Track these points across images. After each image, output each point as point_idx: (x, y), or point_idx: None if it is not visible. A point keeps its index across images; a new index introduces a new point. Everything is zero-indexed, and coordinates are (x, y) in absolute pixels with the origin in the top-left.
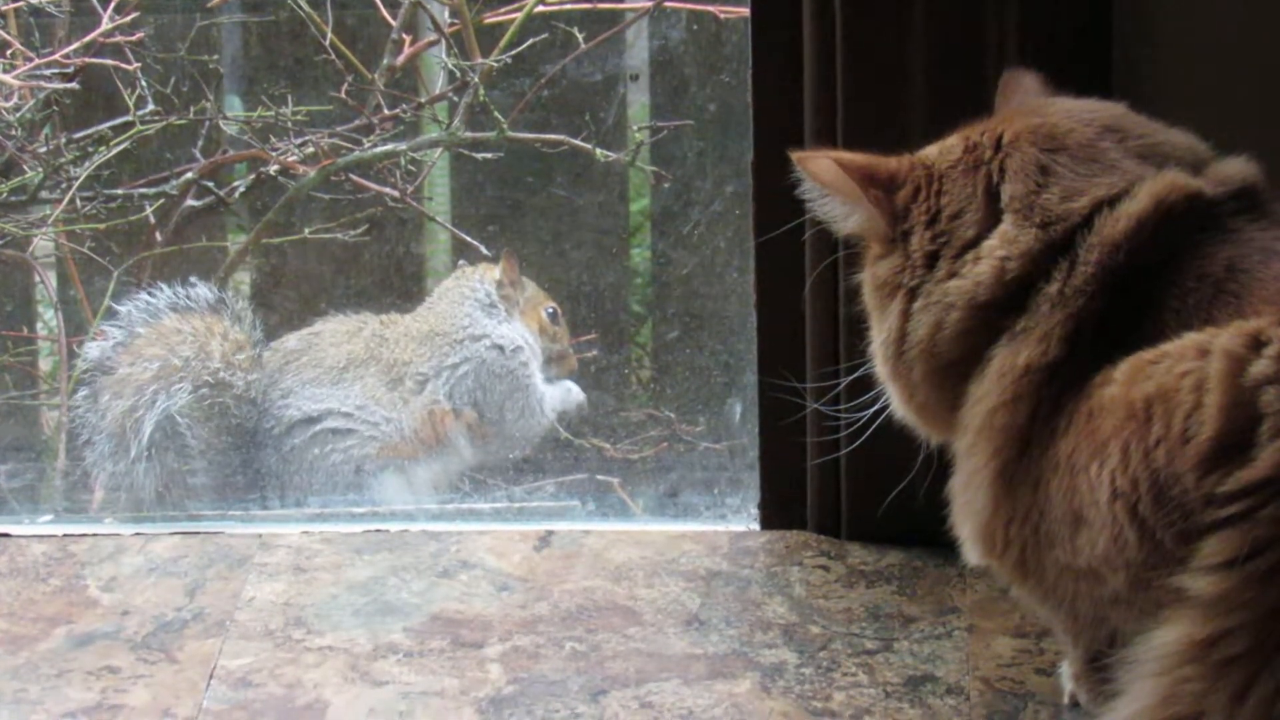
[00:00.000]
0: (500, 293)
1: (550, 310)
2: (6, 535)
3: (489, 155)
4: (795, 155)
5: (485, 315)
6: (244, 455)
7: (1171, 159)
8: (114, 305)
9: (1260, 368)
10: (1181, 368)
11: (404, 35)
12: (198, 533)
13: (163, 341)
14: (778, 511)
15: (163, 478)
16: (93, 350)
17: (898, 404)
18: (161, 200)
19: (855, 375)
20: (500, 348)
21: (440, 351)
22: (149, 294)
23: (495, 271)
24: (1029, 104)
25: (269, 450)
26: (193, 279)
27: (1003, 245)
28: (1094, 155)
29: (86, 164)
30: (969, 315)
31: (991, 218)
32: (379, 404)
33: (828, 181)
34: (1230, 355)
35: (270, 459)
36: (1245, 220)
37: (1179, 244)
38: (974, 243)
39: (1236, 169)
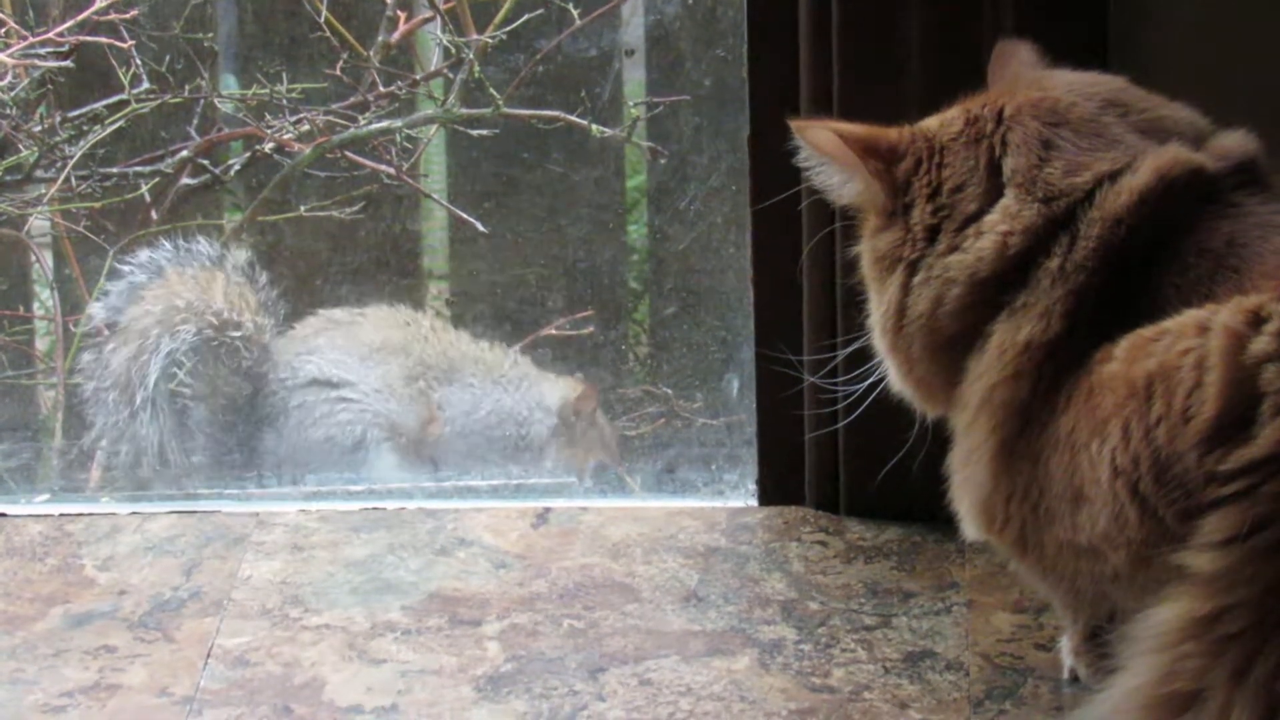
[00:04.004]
0: (561, 415)
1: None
2: (3, 515)
3: (485, 132)
4: (794, 124)
5: (535, 408)
6: (247, 416)
7: (1173, 133)
8: (117, 265)
9: (1261, 345)
10: (1182, 345)
11: (399, 12)
12: (194, 511)
13: (168, 289)
14: (776, 487)
15: (167, 431)
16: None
17: (896, 377)
18: (157, 179)
19: (853, 348)
20: (528, 422)
21: (467, 380)
22: (151, 251)
23: (572, 392)
24: (1028, 77)
25: (275, 401)
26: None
27: (1005, 220)
28: (1097, 130)
29: (81, 143)
30: (970, 290)
31: (993, 191)
32: (392, 393)
33: (827, 152)
34: (1230, 332)
35: (275, 411)
36: (1245, 194)
37: (1180, 219)
38: (976, 216)
39: (1236, 142)
